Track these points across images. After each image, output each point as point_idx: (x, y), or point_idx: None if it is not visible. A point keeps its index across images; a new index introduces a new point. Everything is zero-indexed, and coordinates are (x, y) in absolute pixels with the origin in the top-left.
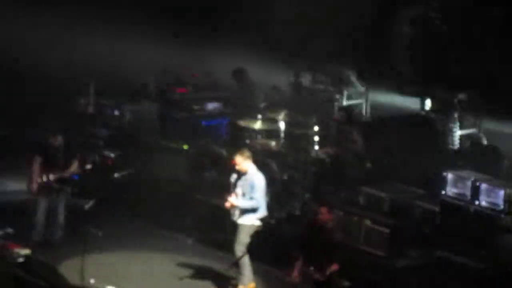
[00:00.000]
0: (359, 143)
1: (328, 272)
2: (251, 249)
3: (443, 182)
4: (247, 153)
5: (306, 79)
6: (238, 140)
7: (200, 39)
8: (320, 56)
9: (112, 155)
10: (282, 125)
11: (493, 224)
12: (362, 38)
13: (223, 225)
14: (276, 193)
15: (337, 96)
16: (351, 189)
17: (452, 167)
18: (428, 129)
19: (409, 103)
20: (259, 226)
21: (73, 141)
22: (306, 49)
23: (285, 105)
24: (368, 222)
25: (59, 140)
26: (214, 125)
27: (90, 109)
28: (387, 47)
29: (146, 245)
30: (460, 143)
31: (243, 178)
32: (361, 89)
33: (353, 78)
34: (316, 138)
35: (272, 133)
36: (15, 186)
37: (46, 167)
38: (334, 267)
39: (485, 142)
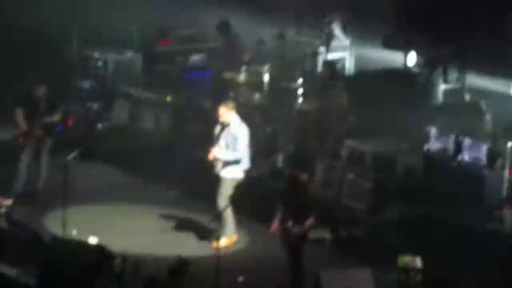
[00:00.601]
0: (343, 97)
1: (306, 226)
2: (234, 201)
3: (426, 137)
4: (231, 105)
5: (290, 32)
6: (222, 92)
7: None
8: (304, 9)
9: (95, 106)
10: (266, 78)
11: (476, 179)
12: None
13: (206, 178)
14: (259, 146)
15: (321, 50)
16: (335, 142)
17: (435, 122)
18: (411, 84)
19: (393, 57)
20: (242, 179)
21: (55, 92)
22: (290, 1)
23: (269, 58)
24: (350, 176)
25: (42, 91)
26: (197, 77)
27: (74, 60)
28: None
29: (128, 197)
30: (444, 98)
31: (227, 130)
32: (345, 42)
33: (337, 31)
34: (300, 92)
35: (256, 86)
36: None
37: (29, 118)
38: (311, 221)
39: (468, 98)
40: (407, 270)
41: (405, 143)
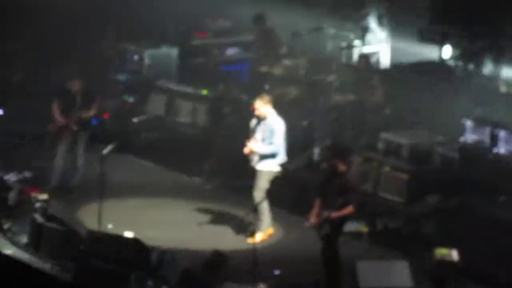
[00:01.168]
0: (379, 90)
1: (345, 211)
2: (270, 195)
3: (462, 129)
4: (267, 98)
5: (326, 25)
6: (258, 85)
7: None
8: (340, 1)
9: (131, 99)
10: (302, 71)
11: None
12: None
13: (242, 171)
14: (295, 140)
15: (357, 43)
16: (371, 135)
17: (471, 114)
18: (447, 77)
19: (429, 50)
20: (278, 172)
21: (92, 85)
22: None
23: (305, 51)
24: (387, 169)
25: (78, 84)
26: (233, 70)
27: (110, 53)
28: None
29: (164, 191)
30: (479, 91)
31: (263, 123)
32: (381, 35)
33: (373, 24)
34: (336, 85)
35: (292, 79)
36: (33, 129)
37: (65, 111)
38: (349, 209)
39: (503, 89)
40: (444, 262)
41: (441, 135)
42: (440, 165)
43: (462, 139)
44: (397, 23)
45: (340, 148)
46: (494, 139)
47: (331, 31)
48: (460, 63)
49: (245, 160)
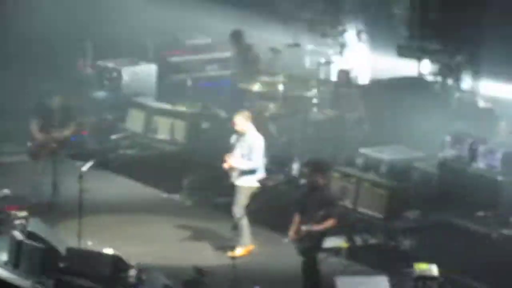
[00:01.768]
0: (358, 106)
1: (326, 224)
2: (250, 210)
3: (441, 144)
4: (246, 114)
5: (304, 41)
6: (238, 101)
7: (197, 1)
8: (319, 17)
9: (110, 117)
10: (280, 87)
11: (490, 186)
12: None
13: (222, 187)
14: (275, 155)
15: (336, 58)
16: (350, 151)
17: (449, 129)
18: (426, 92)
19: (407, 65)
20: (257, 188)
21: (71, 102)
22: (304, 10)
23: (284, 67)
24: (366, 184)
25: (57, 102)
26: (212, 87)
27: (88, 71)
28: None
29: (144, 207)
30: (458, 106)
31: (242, 139)
32: (360, 51)
33: (352, 40)
34: (315, 100)
35: (270, 95)
36: (12, 147)
37: (44, 129)
38: (331, 221)
39: (482, 104)
40: (424, 277)
41: (420, 151)
42: (419, 181)
43: (441, 154)
44: (375, 39)
45: (319, 163)
46: (473, 154)
47: (309, 47)
48: (439, 78)
49: (225, 176)
